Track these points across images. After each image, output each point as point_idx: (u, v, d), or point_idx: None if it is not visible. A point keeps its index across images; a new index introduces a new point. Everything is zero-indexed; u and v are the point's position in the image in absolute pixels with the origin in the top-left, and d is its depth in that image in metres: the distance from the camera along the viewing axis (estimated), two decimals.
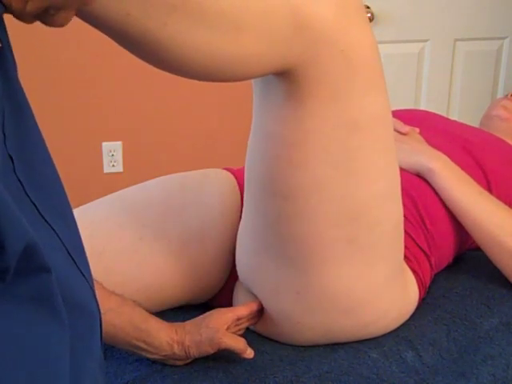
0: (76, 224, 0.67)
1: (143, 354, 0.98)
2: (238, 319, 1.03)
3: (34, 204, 0.57)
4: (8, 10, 0.52)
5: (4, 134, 0.55)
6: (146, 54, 0.78)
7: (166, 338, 0.97)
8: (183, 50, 0.76)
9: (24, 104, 0.60)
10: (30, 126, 0.61)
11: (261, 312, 1.07)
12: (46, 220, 0.58)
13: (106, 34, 0.75)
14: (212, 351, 0.99)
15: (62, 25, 0.55)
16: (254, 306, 1.05)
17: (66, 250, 0.61)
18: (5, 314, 0.51)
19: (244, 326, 1.06)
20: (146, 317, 0.97)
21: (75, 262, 0.62)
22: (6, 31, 0.59)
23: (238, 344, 0.99)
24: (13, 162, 0.56)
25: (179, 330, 0.98)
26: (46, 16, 0.54)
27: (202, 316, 1.02)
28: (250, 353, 1.00)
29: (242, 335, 1.04)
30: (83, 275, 0.63)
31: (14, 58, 0.61)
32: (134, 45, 0.76)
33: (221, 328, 0.99)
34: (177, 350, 0.98)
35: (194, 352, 0.98)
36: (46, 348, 0.55)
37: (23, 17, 0.53)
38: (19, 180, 0.56)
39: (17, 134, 0.57)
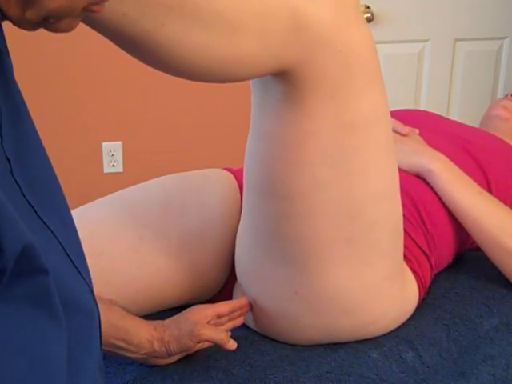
0: (74, 224, 0.67)
1: (123, 354, 0.95)
2: (219, 316, 1.01)
3: (32, 206, 0.57)
4: (6, 17, 0.52)
5: (1, 136, 0.55)
6: (143, 55, 0.78)
7: (145, 335, 0.95)
8: (180, 50, 0.76)
9: (21, 106, 0.60)
10: (28, 127, 0.61)
11: (244, 313, 1.05)
12: (43, 221, 0.58)
13: (103, 35, 0.75)
14: (192, 344, 0.97)
15: (66, 31, 0.55)
16: (235, 304, 1.04)
17: (64, 250, 0.61)
18: (2, 315, 0.51)
19: (228, 326, 1.04)
20: (123, 315, 0.95)
21: (73, 263, 0.62)
22: (3, 35, 0.59)
23: (219, 334, 0.97)
24: (10, 164, 0.56)
25: (158, 327, 0.97)
26: (47, 24, 0.53)
27: (181, 312, 1.00)
28: (232, 344, 0.98)
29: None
30: (81, 275, 0.64)
31: (10, 60, 0.61)
32: (131, 45, 0.76)
33: (200, 321, 0.97)
34: (157, 346, 0.96)
35: (175, 347, 0.96)
36: (43, 348, 0.55)
37: (23, 24, 0.53)
38: (16, 182, 0.56)
39: (14, 136, 0.57)
